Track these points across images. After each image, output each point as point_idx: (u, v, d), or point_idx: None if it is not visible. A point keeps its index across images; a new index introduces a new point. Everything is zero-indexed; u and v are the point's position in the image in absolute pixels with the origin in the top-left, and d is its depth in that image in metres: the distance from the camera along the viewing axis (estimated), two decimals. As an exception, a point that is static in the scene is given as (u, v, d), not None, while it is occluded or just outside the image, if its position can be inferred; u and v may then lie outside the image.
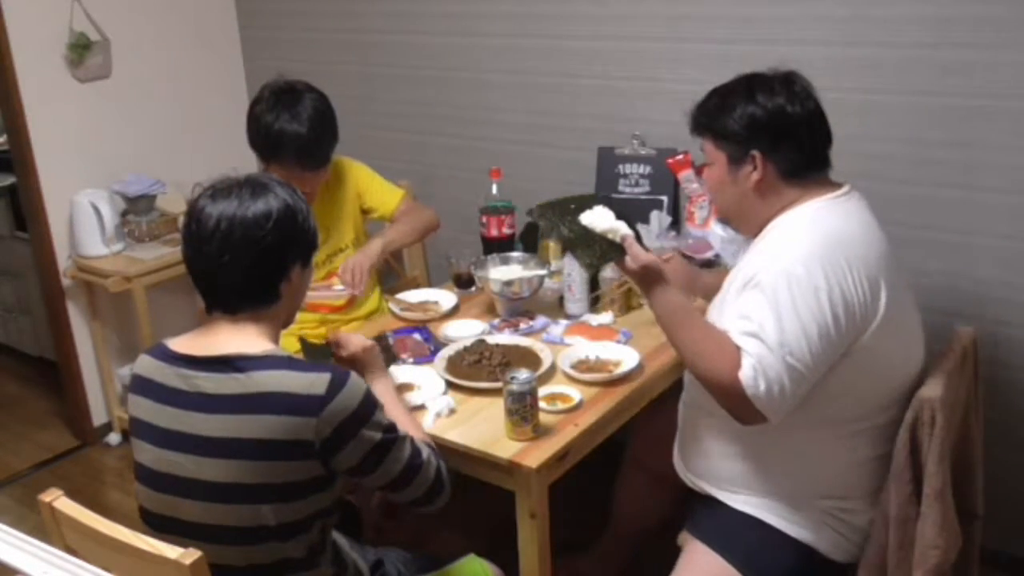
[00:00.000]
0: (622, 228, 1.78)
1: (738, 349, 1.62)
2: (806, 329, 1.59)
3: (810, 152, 1.75)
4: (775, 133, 1.72)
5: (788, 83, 1.75)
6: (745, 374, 1.59)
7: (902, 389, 1.73)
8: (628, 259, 1.77)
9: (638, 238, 1.80)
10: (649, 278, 1.76)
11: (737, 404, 1.63)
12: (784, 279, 1.62)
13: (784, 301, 1.60)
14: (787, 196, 1.75)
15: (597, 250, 1.80)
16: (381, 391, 1.71)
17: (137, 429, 1.55)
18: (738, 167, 1.75)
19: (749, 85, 1.76)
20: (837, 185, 1.77)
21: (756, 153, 1.72)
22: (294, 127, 2.33)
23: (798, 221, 1.72)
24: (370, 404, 1.51)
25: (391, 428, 1.55)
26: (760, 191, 1.75)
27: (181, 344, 1.54)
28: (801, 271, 1.61)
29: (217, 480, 1.45)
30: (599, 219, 1.80)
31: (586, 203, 1.85)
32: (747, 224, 1.83)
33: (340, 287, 2.44)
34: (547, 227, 1.90)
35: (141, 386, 1.54)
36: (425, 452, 1.61)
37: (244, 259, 1.48)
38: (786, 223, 1.73)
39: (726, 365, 1.62)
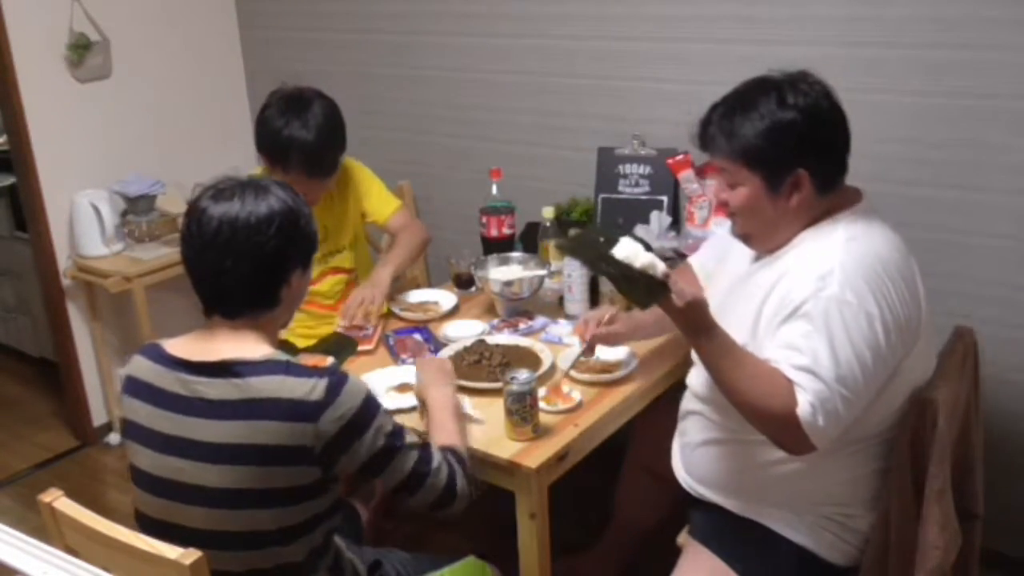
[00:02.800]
0: (659, 264, 1.62)
1: (790, 383, 1.55)
2: (861, 358, 1.54)
3: (842, 157, 1.66)
4: (817, 140, 1.62)
5: (808, 81, 1.64)
6: (803, 410, 1.53)
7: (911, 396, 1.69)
8: (675, 297, 1.58)
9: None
10: (696, 315, 1.59)
11: (790, 437, 1.57)
12: (835, 308, 1.54)
13: (837, 332, 1.54)
14: (817, 209, 1.66)
15: (642, 287, 1.63)
16: (436, 397, 1.78)
17: (133, 432, 1.53)
18: (778, 189, 1.63)
19: (774, 90, 1.62)
20: (855, 193, 1.71)
21: (803, 172, 1.61)
22: (302, 134, 2.31)
23: (833, 242, 1.62)
24: (371, 408, 1.50)
25: (396, 434, 1.54)
26: (798, 210, 1.66)
27: (178, 347, 1.52)
28: (851, 298, 1.55)
29: (218, 486, 1.44)
30: (634, 254, 1.64)
31: (610, 233, 1.73)
32: (772, 242, 1.72)
33: (368, 329, 2.33)
34: (586, 263, 1.81)
35: (137, 389, 1.53)
36: (436, 460, 1.59)
37: (246, 264, 1.47)
38: (819, 244, 1.64)
39: (781, 400, 1.54)
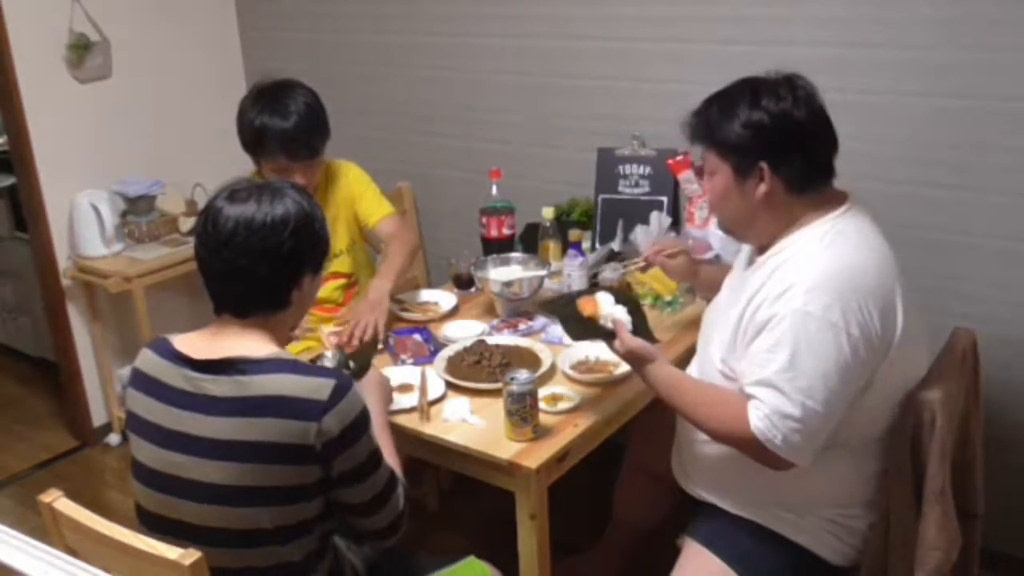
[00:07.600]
0: (617, 313, 1.81)
1: (745, 401, 1.60)
2: (824, 370, 1.55)
3: (818, 162, 1.68)
4: (783, 142, 1.65)
5: (792, 87, 1.67)
6: (757, 426, 1.57)
7: (906, 396, 1.69)
8: (616, 343, 1.78)
9: (643, 322, 1.84)
10: (637, 360, 1.78)
11: (759, 455, 1.60)
12: (799, 320, 1.56)
13: (800, 344, 1.56)
14: (795, 211, 1.68)
15: (586, 326, 1.83)
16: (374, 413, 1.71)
17: (136, 425, 1.54)
18: (744, 179, 1.68)
19: (752, 90, 1.67)
20: (841, 196, 1.72)
21: (764, 165, 1.65)
22: (276, 120, 2.32)
23: (806, 251, 1.64)
24: (367, 418, 1.51)
25: (377, 451, 1.55)
26: (769, 204, 1.68)
27: (186, 344, 1.53)
28: (815, 310, 1.56)
29: (218, 482, 1.44)
30: (602, 303, 1.84)
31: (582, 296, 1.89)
32: (753, 235, 1.77)
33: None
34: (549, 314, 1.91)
35: (143, 383, 1.54)
36: (399, 486, 1.61)
37: (260, 265, 1.48)
38: (797, 254, 1.65)
39: (736, 420, 1.60)
